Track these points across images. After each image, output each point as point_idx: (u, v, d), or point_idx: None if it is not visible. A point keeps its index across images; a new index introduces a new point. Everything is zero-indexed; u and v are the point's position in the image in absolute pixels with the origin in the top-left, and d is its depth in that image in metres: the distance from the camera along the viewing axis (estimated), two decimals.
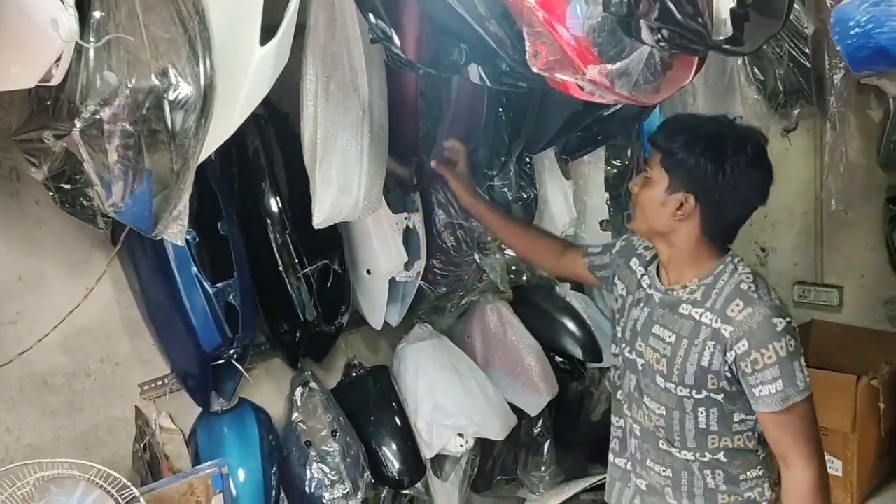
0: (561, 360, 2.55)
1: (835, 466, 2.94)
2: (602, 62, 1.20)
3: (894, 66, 0.93)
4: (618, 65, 1.19)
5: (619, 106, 2.20)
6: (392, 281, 2.09)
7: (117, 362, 1.88)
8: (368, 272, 2.09)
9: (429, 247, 2.17)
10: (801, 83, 1.81)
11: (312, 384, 2.10)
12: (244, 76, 1.29)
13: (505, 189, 2.31)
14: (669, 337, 1.57)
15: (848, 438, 2.87)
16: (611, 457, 1.82)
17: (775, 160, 3.67)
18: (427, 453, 2.23)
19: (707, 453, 1.60)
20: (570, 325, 2.56)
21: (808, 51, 1.78)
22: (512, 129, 2.19)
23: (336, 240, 2.02)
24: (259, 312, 1.96)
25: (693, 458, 1.62)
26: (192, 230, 1.77)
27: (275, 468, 1.95)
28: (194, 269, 1.75)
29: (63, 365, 1.79)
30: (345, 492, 1.98)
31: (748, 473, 1.62)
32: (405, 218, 2.07)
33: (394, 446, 2.15)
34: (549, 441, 2.53)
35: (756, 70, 1.88)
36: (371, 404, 2.20)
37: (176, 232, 1.37)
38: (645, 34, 1.14)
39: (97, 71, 1.24)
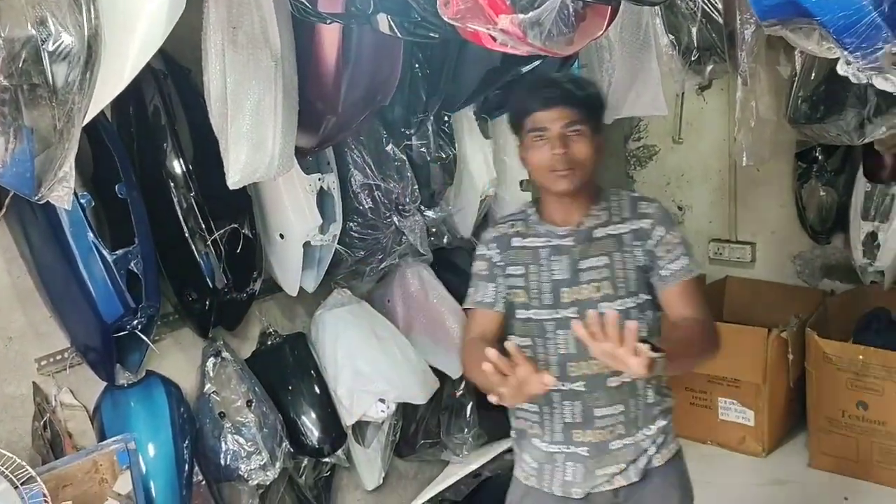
0: None
1: (747, 416, 3.06)
2: (514, 11, 1.15)
3: (802, 16, 0.92)
4: (530, 14, 1.15)
5: (537, 63, 2.18)
6: (307, 245, 2.03)
7: (11, 336, 1.76)
8: (281, 236, 2.01)
9: (345, 209, 2.11)
10: (714, 39, 1.82)
11: (225, 354, 2.03)
12: (134, 27, 1.21)
13: (423, 149, 2.26)
14: (601, 261, 1.65)
15: (759, 389, 2.98)
16: (535, 441, 1.72)
17: (691, 118, 3.74)
18: (348, 420, 2.19)
19: None
20: None
21: (720, 6, 1.78)
22: (429, 86, 2.14)
23: (245, 203, 1.94)
24: (165, 280, 1.87)
25: None
26: (88, 194, 1.68)
27: (187, 441, 1.88)
28: (91, 235, 1.64)
29: None
30: (262, 462, 1.93)
31: (663, 380, 1.73)
32: (319, 179, 2.00)
33: (313, 414, 2.11)
34: (471, 403, 2.52)
35: (670, 26, 1.87)
36: (288, 373, 2.15)
37: (62, 195, 1.26)
38: None
39: None
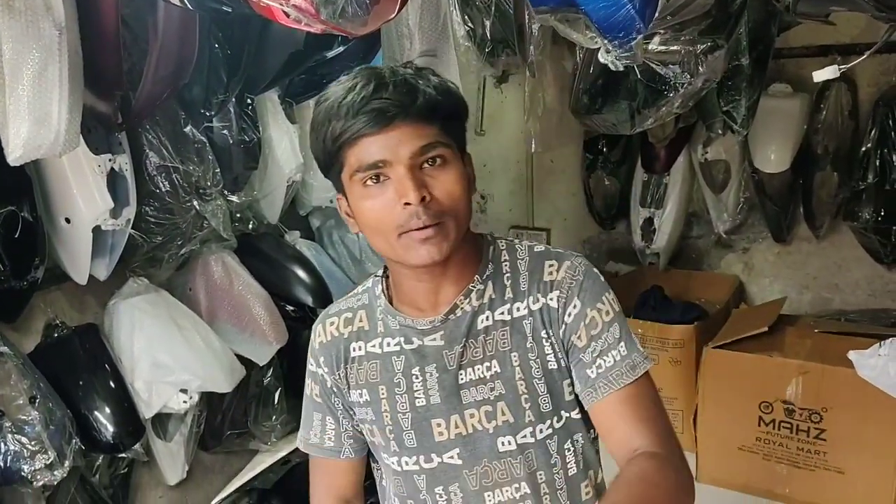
0: (291, 307, 2.52)
1: None
2: None
3: (570, 5, 1.01)
4: None
5: (341, 49, 2.20)
6: (97, 230, 1.91)
7: None
8: (67, 221, 1.88)
9: (140, 192, 2.01)
10: (506, 32, 1.93)
11: (3, 348, 1.85)
12: None
13: (225, 131, 2.20)
14: (489, 369, 1.08)
15: None
16: None
17: (491, 111, 3.93)
18: (147, 413, 2.09)
19: None
20: (300, 272, 2.54)
21: (511, 1, 1.89)
22: (230, 67, 2.08)
23: (24, 184, 1.78)
24: None
25: None
26: None
27: None
28: None
29: None
30: (48, 461, 1.79)
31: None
32: (109, 160, 1.88)
33: (107, 409, 1.99)
34: (279, 390, 2.50)
35: (467, 17, 1.97)
36: (79, 366, 2.01)
37: None
38: None
39: None
